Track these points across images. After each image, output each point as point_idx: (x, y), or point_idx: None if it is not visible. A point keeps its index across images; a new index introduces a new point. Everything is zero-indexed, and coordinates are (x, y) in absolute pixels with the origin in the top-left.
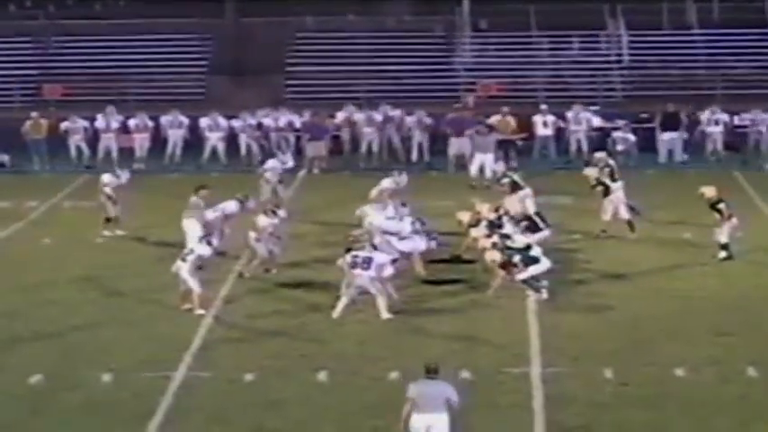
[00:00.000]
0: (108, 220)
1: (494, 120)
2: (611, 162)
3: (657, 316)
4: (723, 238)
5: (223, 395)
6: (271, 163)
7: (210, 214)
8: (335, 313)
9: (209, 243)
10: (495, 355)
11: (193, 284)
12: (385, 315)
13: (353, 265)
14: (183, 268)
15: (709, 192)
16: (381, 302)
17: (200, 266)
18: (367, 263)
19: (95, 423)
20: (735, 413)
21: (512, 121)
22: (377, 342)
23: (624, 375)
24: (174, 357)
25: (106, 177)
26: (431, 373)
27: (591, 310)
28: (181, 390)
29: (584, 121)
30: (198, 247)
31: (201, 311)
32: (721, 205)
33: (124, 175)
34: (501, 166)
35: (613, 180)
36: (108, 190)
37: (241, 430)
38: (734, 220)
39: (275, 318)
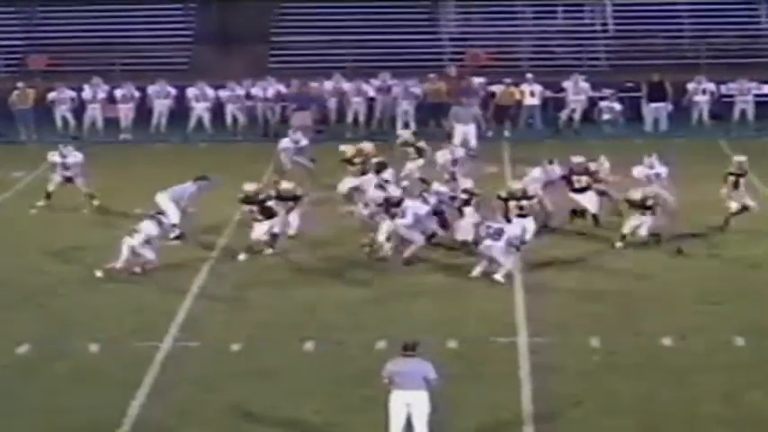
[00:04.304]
0: (48, 196)
1: (496, 89)
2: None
3: (644, 285)
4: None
5: (210, 365)
6: (284, 142)
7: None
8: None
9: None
10: (482, 324)
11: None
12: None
13: (485, 237)
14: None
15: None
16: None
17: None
18: (498, 234)
19: (83, 392)
20: (722, 382)
21: (516, 91)
22: (364, 311)
23: (611, 344)
24: (161, 327)
25: (51, 156)
26: (408, 350)
27: (578, 279)
28: (168, 359)
29: (582, 91)
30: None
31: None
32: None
33: (71, 155)
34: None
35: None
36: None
37: (228, 400)
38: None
39: (262, 288)
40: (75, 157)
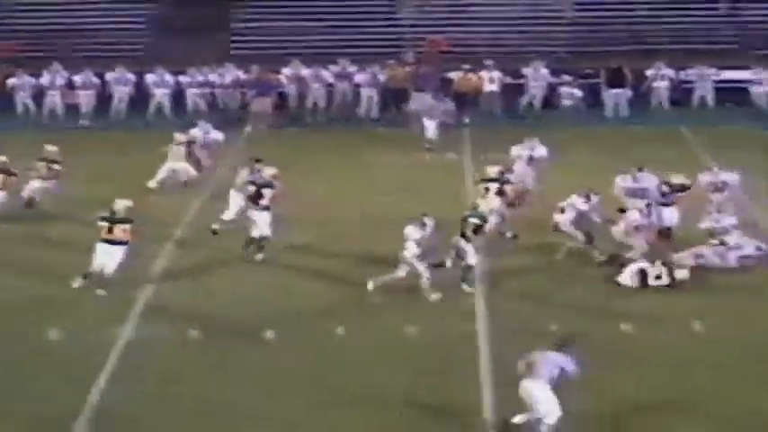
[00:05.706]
0: None
1: (454, 75)
2: None
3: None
4: None
5: (173, 354)
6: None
7: None
8: None
9: None
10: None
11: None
12: None
13: None
14: None
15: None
16: None
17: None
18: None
19: (44, 380)
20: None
21: (473, 77)
22: (325, 301)
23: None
24: (122, 316)
25: None
26: (558, 344)
27: (538, 267)
28: (130, 348)
29: (542, 77)
30: None
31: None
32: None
33: None
34: None
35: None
36: None
37: (190, 389)
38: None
39: (221, 277)
40: None
